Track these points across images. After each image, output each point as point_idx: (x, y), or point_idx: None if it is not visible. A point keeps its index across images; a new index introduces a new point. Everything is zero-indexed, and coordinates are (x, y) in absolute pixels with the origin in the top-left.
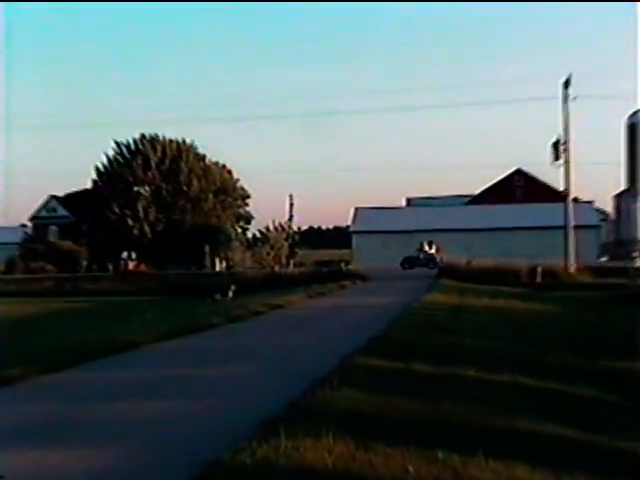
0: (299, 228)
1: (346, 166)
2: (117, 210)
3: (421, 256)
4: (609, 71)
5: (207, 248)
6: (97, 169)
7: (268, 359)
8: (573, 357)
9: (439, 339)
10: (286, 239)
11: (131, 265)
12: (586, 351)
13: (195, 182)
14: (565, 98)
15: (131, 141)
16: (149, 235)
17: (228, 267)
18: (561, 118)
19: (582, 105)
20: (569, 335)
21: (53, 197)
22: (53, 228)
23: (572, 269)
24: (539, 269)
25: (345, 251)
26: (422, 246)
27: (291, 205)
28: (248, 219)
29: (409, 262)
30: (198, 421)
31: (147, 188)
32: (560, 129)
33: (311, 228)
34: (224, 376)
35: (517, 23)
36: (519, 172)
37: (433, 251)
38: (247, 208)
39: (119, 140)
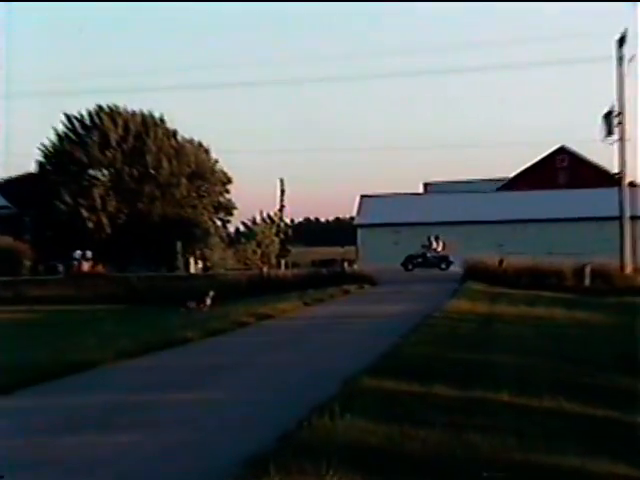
0: (292, 220)
1: (350, 144)
2: (68, 199)
3: (428, 254)
4: None
5: (179, 245)
6: (43, 149)
7: (254, 381)
8: (630, 379)
9: (465, 356)
10: (276, 234)
11: (86, 266)
12: None
13: (165, 164)
14: (620, 59)
15: (85, 113)
16: (108, 229)
17: (205, 268)
18: (615, 84)
19: None
20: (625, 352)
21: None
22: None
23: (629, 269)
24: (588, 269)
25: (349, 248)
26: (430, 242)
27: (282, 192)
28: (230, 209)
29: (412, 262)
30: (166, 462)
31: (105, 171)
32: (614, 97)
33: (307, 220)
34: (199, 402)
35: None
36: (563, 150)
37: (439, 248)
38: (228, 196)
39: (70, 113)
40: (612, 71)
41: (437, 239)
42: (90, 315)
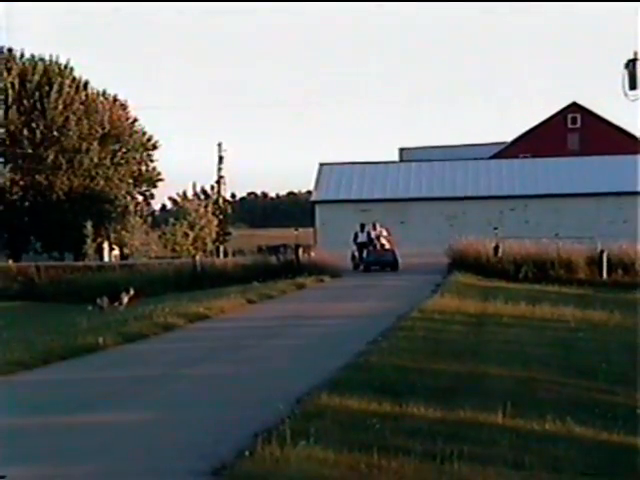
0: (233, 196)
1: (305, 99)
2: None
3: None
4: None
5: (90, 227)
6: None
7: (183, 399)
8: None
9: (450, 367)
10: (213, 213)
11: None
12: None
13: (72, 123)
14: None
15: None
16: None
17: (123, 256)
18: (639, 27)
19: None
20: None
21: None
22: None
23: None
24: (605, 257)
25: (305, 230)
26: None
27: (220, 160)
28: (154, 181)
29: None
30: None
31: None
32: (638, 43)
33: (252, 196)
34: (114, 427)
35: None
36: (575, 108)
37: (384, 239)
38: (152, 165)
39: None
40: (635, 10)
41: (374, 226)
42: None
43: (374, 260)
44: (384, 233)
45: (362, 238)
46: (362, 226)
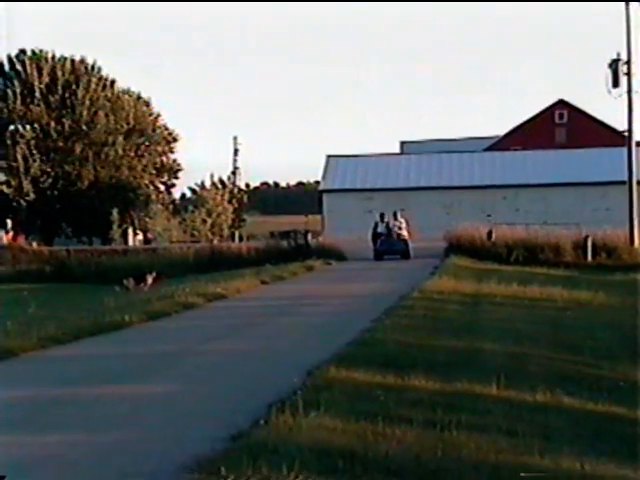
0: (248, 185)
1: (315, 96)
2: None
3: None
4: None
5: (115, 214)
6: None
7: (202, 373)
8: (637, 368)
9: (448, 343)
10: (229, 201)
11: (5, 238)
12: None
13: (99, 119)
14: None
15: (4, 59)
16: (31, 195)
17: (146, 241)
18: (624, 27)
19: None
20: (632, 338)
21: None
22: None
23: (638, 242)
24: (590, 242)
25: (313, 218)
26: (383, 218)
27: (236, 152)
28: (174, 172)
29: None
30: (102, 467)
31: (29, 127)
32: (623, 43)
33: (265, 185)
34: (139, 398)
35: None
36: (562, 104)
37: (403, 230)
38: (173, 156)
39: None
40: (620, 11)
41: (395, 215)
42: (9, 295)
43: (386, 249)
44: (403, 224)
45: (381, 229)
46: (382, 216)
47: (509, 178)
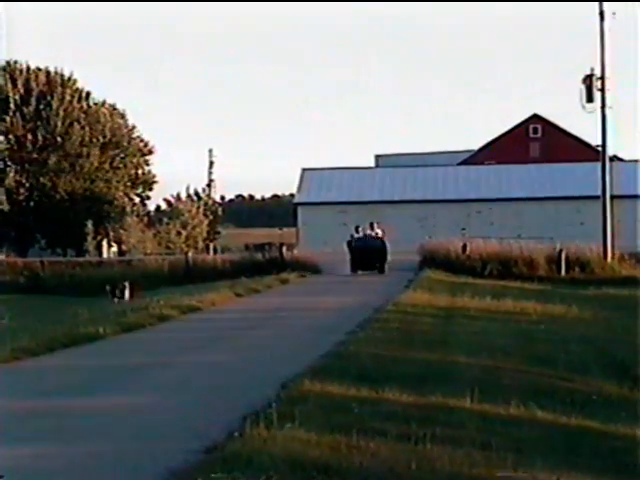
0: (223, 198)
1: (290, 109)
2: None
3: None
4: None
5: (90, 225)
6: None
7: (176, 385)
8: (609, 382)
9: (422, 356)
10: (204, 213)
11: None
12: (627, 374)
13: (74, 130)
14: (601, 14)
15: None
16: (5, 206)
17: (121, 253)
18: (598, 43)
19: (625, 26)
20: (605, 351)
21: None
22: None
23: (611, 257)
24: (563, 256)
25: (288, 230)
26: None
27: (211, 164)
28: (149, 184)
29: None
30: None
31: (3, 138)
32: (596, 59)
33: (240, 198)
34: (113, 410)
35: None
36: (536, 119)
37: (380, 235)
38: (148, 168)
39: None
40: (593, 28)
41: (372, 226)
42: None
43: (362, 245)
44: (380, 234)
45: (357, 236)
46: (357, 228)
47: (484, 192)
